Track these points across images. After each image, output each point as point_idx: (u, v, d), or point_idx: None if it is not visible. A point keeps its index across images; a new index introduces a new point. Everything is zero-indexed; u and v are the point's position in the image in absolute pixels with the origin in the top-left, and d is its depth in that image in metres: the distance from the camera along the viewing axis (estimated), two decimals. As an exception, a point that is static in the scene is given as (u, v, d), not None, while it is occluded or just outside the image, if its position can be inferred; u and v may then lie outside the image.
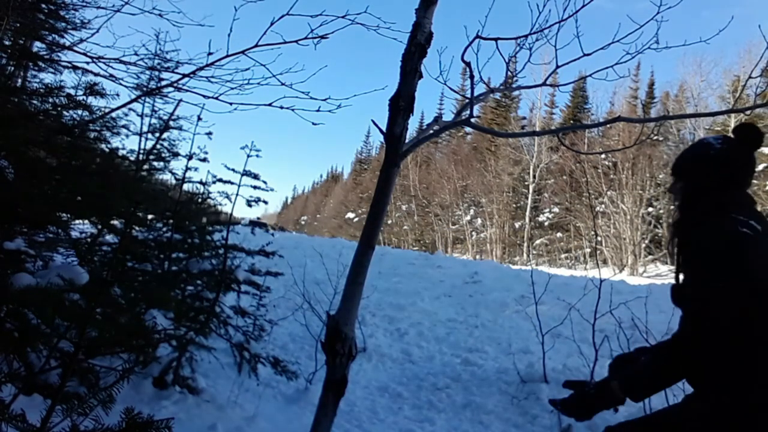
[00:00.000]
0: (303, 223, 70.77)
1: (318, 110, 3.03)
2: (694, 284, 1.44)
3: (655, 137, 23.63)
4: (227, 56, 3.21)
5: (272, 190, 4.29)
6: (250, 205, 4.19)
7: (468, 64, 2.00)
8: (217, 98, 3.28)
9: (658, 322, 4.98)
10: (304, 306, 5.26)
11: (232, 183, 4.07)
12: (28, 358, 2.03)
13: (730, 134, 1.60)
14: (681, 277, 1.58)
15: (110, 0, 4.12)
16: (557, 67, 2.19)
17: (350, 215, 47.95)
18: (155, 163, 4.56)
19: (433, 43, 2.00)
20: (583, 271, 18.97)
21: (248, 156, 4.05)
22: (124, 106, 4.05)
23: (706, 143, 1.59)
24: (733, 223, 1.39)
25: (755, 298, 1.33)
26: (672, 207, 1.60)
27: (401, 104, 1.93)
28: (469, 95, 2.08)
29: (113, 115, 3.63)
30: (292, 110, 3.06)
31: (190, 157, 4.23)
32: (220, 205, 4.54)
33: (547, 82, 2.41)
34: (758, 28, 1.83)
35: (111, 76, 3.85)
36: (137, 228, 3.82)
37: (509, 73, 2.29)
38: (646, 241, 25.88)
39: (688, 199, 1.58)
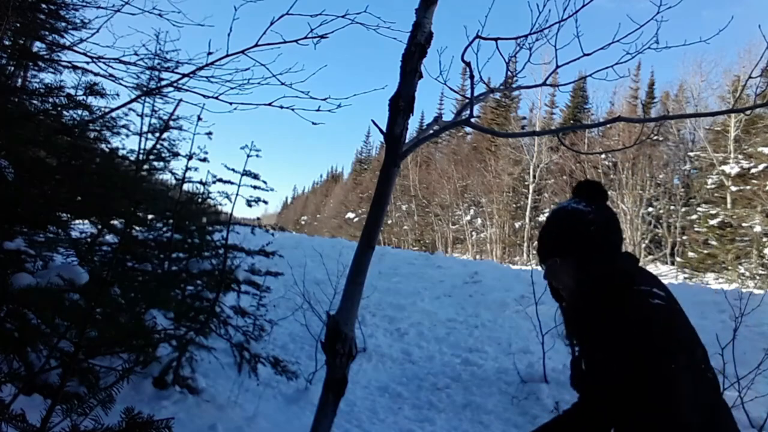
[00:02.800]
0: (303, 223, 70.76)
1: (318, 110, 3.03)
2: (622, 368, 1.22)
3: (655, 137, 23.64)
4: (227, 56, 3.21)
5: (272, 190, 4.30)
6: (250, 205, 4.19)
7: (468, 64, 1.99)
8: (217, 98, 3.28)
9: (658, 322, 4.99)
10: (304, 306, 5.26)
11: (232, 183, 4.08)
12: (28, 358, 2.03)
13: (575, 194, 1.46)
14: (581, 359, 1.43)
15: (110, 0, 4.12)
16: (557, 67, 2.19)
17: (350, 215, 47.94)
18: (155, 163, 4.56)
19: (433, 43, 2.01)
20: (583, 271, 18.93)
21: (248, 156, 4.05)
22: (124, 106, 4.05)
23: (573, 210, 1.41)
24: (647, 296, 1.26)
25: (695, 372, 1.21)
26: (565, 291, 1.44)
27: (401, 104, 1.93)
28: (469, 95, 2.08)
29: (113, 115, 3.63)
30: (292, 110, 3.05)
31: (190, 157, 4.23)
32: (220, 205, 4.55)
33: (547, 82, 2.41)
34: (758, 28, 1.83)
35: (111, 76, 3.85)
36: (137, 228, 3.82)
37: (509, 73, 2.29)
38: (646, 241, 25.88)
39: (582, 276, 1.38)
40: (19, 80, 4.19)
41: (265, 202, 4.33)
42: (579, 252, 1.37)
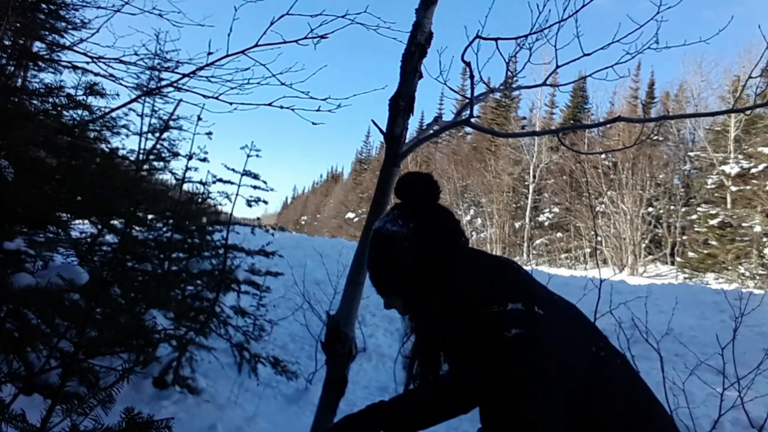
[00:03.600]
0: (303, 223, 70.76)
1: (318, 110, 3.03)
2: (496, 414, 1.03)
3: (655, 137, 23.65)
4: (227, 56, 3.22)
5: (272, 190, 4.30)
6: (250, 205, 4.19)
7: (468, 64, 1.99)
8: (217, 98, 3.28)
9: (658, 322, 4.99)
10: (304, 306, 5.26)
11: (232, 183, 4.08)
12: (28, 358, 2.03)
13: (397, 197, 1.21)
14: None
15: (110, 0, 4.13)
16: (557, 67, 2.19)
17: (350, 215, 47.94)
18: (155, 163, 4.56)
19: (433, 43, 2.01)
20: (583, 271, 18.98)
21: (248, 156, 4.05)
22: (124, 106, 4.06)
23: (387, 236, 1.14)
24: (500, 324, 1.02)
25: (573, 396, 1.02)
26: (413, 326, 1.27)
27: (401, 104, 1.93)
28: (469, 95, 2.08)
29: (113, 115, 3.64)
30: (292, 110, 3.06)
31: (190, 157, 4.23)
32: (220, 205, 4.55)
33: (547, 82, 2.41)
34: (758, 28, 1.83)
35: (111, 76, 3.86)
36: (137, 228, 3.82)
37: (509, 73, 2.30)
38: (646, 241, 25.87)
39: (414, 311, 1.20)
40: (19, 80, 4.19)
41: (265, 202, 4.33)
42: (401, 290, 1.15)
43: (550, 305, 1.12)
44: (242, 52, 3.18)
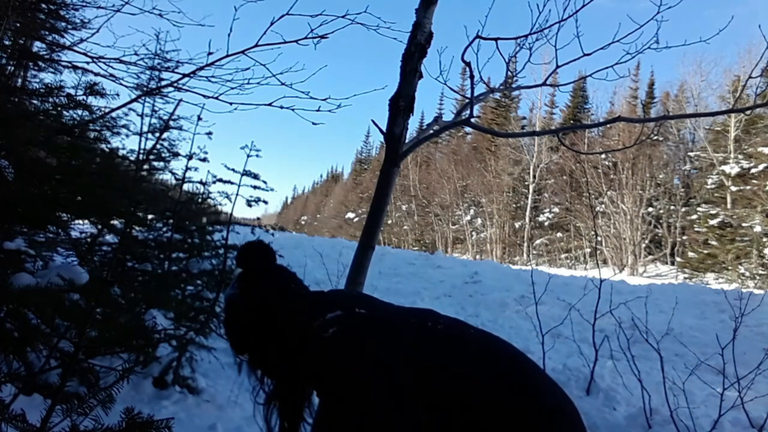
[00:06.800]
0: (303, 223, 70.76)
1: (318, 110, 3.03)
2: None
3: (655, 137, 23.64)
4: (227, 56, 3.22)
5: (272, 190, 4.29)
6: (250, 205, 4.18)
7: (468, 64, 1.99)
8: (217, 98, 3.28)
9: (658, 322, 4.99)
10: (304, 306, 5.26)
11: (232, 183, 4.07)
12: (28, 358, 2.03)
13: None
14: None
15: (110, 0, 4.13)
16: (557, 67, 2.19)
17: (350, 215, 47.94)
18: (155, 163, 4.56)
19: (433, 43, 2.01)
20: (583, 271, 18.98)
21: (248, 156, 4.04)
22: (124, 106, 4.06)
23: (227, 298, 1.36)
24: (325, 341, 1.21)
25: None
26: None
27: (401, 104, 1.93)
28: (469, 95, 2.08)
29: (113, 115, 3.65)
30: (292, 110, 3.06)
31: (190, 157, 4.23)
32: (220, 205, 4.54)
33: (547, 82, 2.41)
34: (758, 28, 1.83)
35: (111, 76, 3.86)
36: (137, 228, 3.82)
37: (509, 73, 2.30)
38: (646, 241, 25.86)
39: (274, 368, 1.38)
40: (19, 80, 4.20)
41: (265, 202, 4.32)
42: (249, 343, 1.36)
43: (380, 307, 1.33)
44: (242, 52, 3.18)
